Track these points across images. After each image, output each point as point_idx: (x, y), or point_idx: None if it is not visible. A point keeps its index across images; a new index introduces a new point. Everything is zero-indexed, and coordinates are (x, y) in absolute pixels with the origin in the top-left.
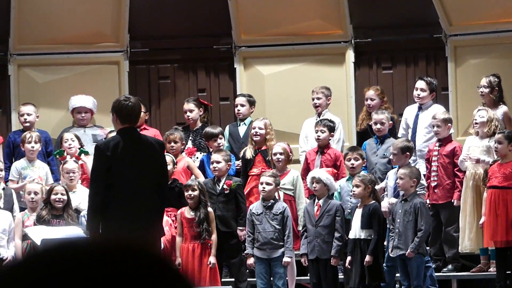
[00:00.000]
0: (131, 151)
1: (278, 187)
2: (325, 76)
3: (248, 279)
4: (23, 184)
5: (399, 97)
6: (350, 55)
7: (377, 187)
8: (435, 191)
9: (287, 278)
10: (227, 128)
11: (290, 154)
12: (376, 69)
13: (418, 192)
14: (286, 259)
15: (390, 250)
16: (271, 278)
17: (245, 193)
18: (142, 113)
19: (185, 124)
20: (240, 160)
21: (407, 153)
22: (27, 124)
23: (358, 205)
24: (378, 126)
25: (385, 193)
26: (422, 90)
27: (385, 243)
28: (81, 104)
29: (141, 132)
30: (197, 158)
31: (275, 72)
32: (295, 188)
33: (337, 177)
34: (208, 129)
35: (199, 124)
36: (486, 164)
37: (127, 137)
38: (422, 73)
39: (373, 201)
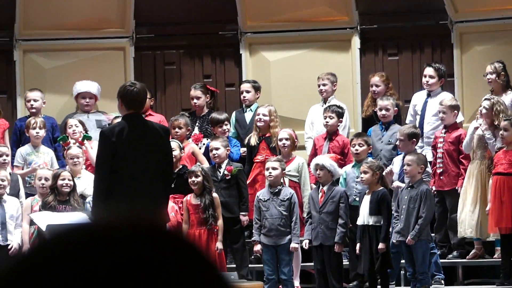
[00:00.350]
0: (136, 137)
1: (284, 171)
2: (330, 63)
3: (254, 265)
4: (29, 170)
5: (404, 84)
6: (356, 42)
7: (385, 171)
8: (441, 177)
9: (292, 264)
10: (233, 114)
11: (296, 140)
12: (382, 55)
13: (424, 179)
14: (293, 245)
15: (395, 238)
16: (278, 265)
17: (249, 180)
18: (147, 99)
19: (191, 110)
20: (245, 147)
21: (414, 139)
22: (34, 110)
23: (367, 191)
24: (383, 112)
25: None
26: (430, 77)
27: (390, 229)
28: (86, 89)
29: (146, 118)
30: (203, 144)
31: (280, 58)
32: (300, 175)
33: (344, 164)
34: (214, 115)
35: (205, 110)
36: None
37: (132, 123)
38: (428, 60)
39: (382, 188)
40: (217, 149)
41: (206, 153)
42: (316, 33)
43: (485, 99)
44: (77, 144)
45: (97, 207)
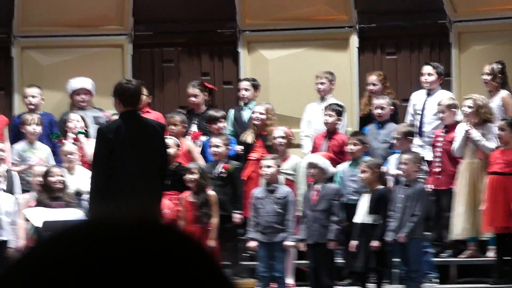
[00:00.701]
0: (133, 133)
1: (279, 169)
2: (329, 61)
3: (247, 263)
4: (26, 167)
5: (403, 83)
6: (354, 40)
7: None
8: (438, 176)
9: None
10: (231, 112)
11: (291, 137)
12: (380, 54)
13: (419, 178)
14: (287, 243)
15: (389, 238)
16: (271, 262)
17: (244, 178)
18: (144, 96)
19: (189, 108)
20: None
21: (410, 137)
22: (32, 107)
23: (368, 190)
24: (379, 110)
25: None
26: (429, 74)
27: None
28: (82, 86)
29: (143, 116)
30: (201, 141)
31: (279, 56)
32: (296, 174)
33: (342, 162)
34: (211, 112)
35: (203, 108)
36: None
37: (129, 120)
38: (426, 59)
39: (382, 186)
40: (217, 146)
41: (203, 150)
42: (315, 32)
43: (466, 99)
44: (72, 140)
45: (94, 204)
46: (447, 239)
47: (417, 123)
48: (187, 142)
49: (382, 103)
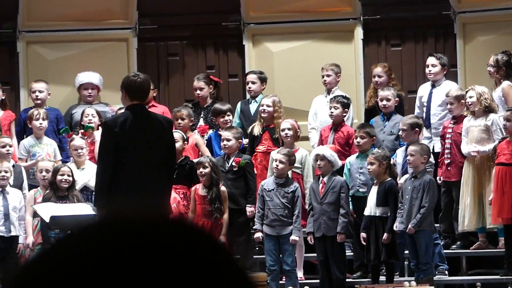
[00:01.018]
0: (139, 127)
1: (292, 166)
2: (333, 53)
3: (257, 256)
4: (33, 162)
5: (408, 74)
6: (359, 32)
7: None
8: (448, 168)
9: (295, 256)
10: (238, 104)
11: (298, 130)
12: (385, 46)
13: (427, 169)
14: (293, 237)
15: (397, 227)
16: (280, 255)
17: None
18: (150, 90)
19: (195, 101)
20: (248, 138)
21: (417, 129)
22: (39, 101)
23: (375, 182)
24: (384, 102)
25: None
26: (433, 65)
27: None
28: (88, 80)
29: (149, 109)
30: (207, 134)
31: (283, 49)
32: (303, 167)
33: (349, 154)
34: (217, 105)
35: (209, 101)
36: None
37: (135, 114)
38: (431, 50)
39: (389, 178)
40: (228, 140)
41: (209, 144)
42: (319, 24)
43: (468, 91)
44: (80, 134)
45: (99, 198)
46: (457, 230)
47: (424, 115)
48: (195, 136)
49: (388, 95)
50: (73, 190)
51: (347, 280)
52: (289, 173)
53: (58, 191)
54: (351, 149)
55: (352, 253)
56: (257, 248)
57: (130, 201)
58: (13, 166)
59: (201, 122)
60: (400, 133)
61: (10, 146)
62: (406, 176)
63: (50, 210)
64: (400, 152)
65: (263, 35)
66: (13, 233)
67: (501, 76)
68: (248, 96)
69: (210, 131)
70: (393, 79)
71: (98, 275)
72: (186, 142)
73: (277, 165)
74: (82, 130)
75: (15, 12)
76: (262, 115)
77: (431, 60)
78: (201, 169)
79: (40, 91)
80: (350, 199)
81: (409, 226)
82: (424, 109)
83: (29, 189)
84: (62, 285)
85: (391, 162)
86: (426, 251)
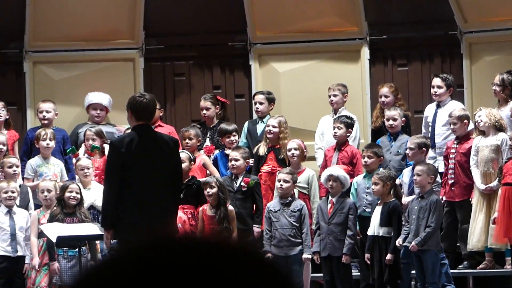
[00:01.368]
0: (145, 148)
1: (295, 184)
2: (340, 73)
3: None
4: (39, 182)
5: (414, 94)
6: (365, 52)
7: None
8: (452, 188)
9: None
10: (245, 124)
11: (305, 150)
12: (391, 66)
13: (434, 189)
14: (305, 255)
15: (400, 242)
16: None
17: None
18: (157, 110)
19: (201, 121)
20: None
21: (424, 149)
22: (46, 122)
23: (378, 202)
24: (391, 122)
25: (402, 191)
26: (438, 87)
27: (400, 239)
28: (98, 101)
29: (155, 129)
30: (213, 154)
31: (290, 69)
32: (310, 187)
33: (352, 174)
34: (223, 125)
35: (215, 121)
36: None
37: (141, 134)
38: (437, 70)
39: (393, 199)
40: (236, 160)
41: (215, 163)
42: (326, 44)
43: (476, 112)
44: (86, 155)
45: (106, 218)
46: (464, 250)
47: (429, 135)
48: (203, 156)
49: (394, 115)
50: (81, 207)
51: None
52: (296, 193)
53: (66, 207)
54: (355, 168)
55: (358, 273)
56: None
57: (131, 225)
58: (20, 186)
59: (207, 142)
60: (407, 151)
61: (17, 166)
62: (412, 196)
63: (57, 230)
64: (406, 172)
65: (269, 55)
66: (19, 253)
67: (506, 95)
68: (255, 116)
69: (216, 151)
70: (400, 99)
71: None
72: (193, 162)
73: (281, 185)
74: (89, 150)
75: (22, 32)
76: (268, 135)
77: (436, 81)
78: (208, 189)
79: (47, 111)
80: (357, 220)
81: (413, 243)
82: (430, 128)
83: (35, 209)
84: None
85: (398, 182)
86: (432, 271)
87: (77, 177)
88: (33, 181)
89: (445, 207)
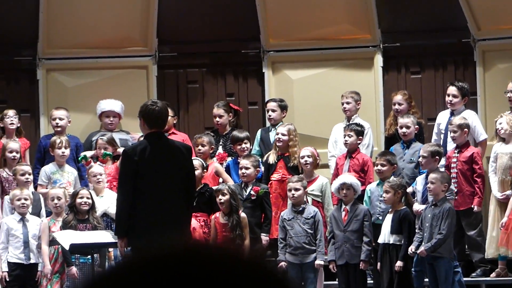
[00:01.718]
0: (158, 155)
1: (306, 190)
2: (353, 81)
3: None
4: (48, 190)
5: (427, 102)
6: (379, 60)
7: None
8: (455, 197)
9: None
10: (258, 132)
11: (318, 158)
12: (405, 73)
13: (447, 197)
14: (318, 261)
15: (413, 250)
16: (302, 283)
17: None
18: (170, 118)
19: (214, 129)
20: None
21: (437, 157)
22: (59, 129)
23: (389, 210)
24: (404, 130)
25: (415, 199)
26: (454, 96)
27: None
28: (110, 108)
29: (169, 137)
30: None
31: (303, 76)
32: (323, 195)
33: (363, 181)
34: (235, 133)
35: (228, 128)
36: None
37: (154, 142)
38: (451, 78)
39: (404, 207)
40: (247, 168)
41: (227, 171)
42: (339, 51)
43: (497, 119)
44: (99, 162)
45: (119, 226)
46: (474, 258)
47: (441, 143)
48: (215, 164)
49: (407, 122)
50: (93, 212)
51: None
52: (309, 200)
53: (78, 214)
54: (366, 175)
55: (372, 281)
56: None
57: (145, 232)
58: (32, 193)
59: (220, 149)
60: (420, 159)
61: (29, 174)
62: (423, 206)
63: (70, 237)
64: (420, 180)
65: (283, 63)
66: (32, 261)
67: None
68: (268, 124)
69: (229, 159)
70: (413, 106)
71: None
72: (205, 169)
73: (293, 194)
74: (101, 157)
75: (35, 40)
76: (278, 144)
77: (452, 89)
78: (220, 197)
79: (60, 118)
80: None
81: (422, 248)
82: (442, 136)
83: (47, 217)
84: None
85: (411, 189)
86: (445, 279)
87: (90, 184)
88: (46, 188)
89: None
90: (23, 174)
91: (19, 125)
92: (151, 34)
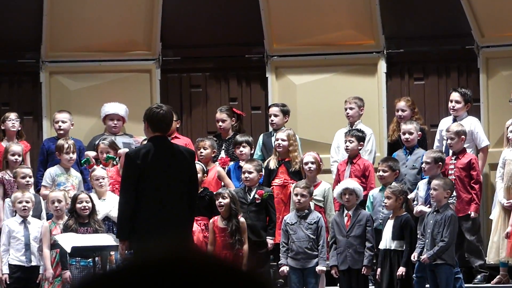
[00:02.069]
0: (161, 159)
1: (312, 197)
2: (357, 87)
3: None
4: (48, 193)
5: (430, 108)
6: (382, 66)
7: (409, 196)
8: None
9: None
10: (260, 137)
11: (321, 163)
12: (408, 79)
13: (450, 203)
14: (320, 267)
15: (415, 257)
16: None
17: None
18: (173, 122)
19: (217, 133)
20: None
21: (440, 163)
22: (62, 132)
23: (390, 216)
24: (407, 136)
25: (414, 203)
26: (457, 102)
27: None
28: (114, 111)
29: (172, 141)
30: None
31: (307, 81)
32: (326, 200)
33: (365, 187)
34: (237, 137)
35: (231, 133)
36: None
37: (157, 145)
38: (454, 85)
39: (405, 213)
40: (250, 172)
41: (228, 175)
42: (343, 57)
43: (508, 126)
44: (101, 165)
45: (121, 229)
46: (474, 264)
47: (443, 149)
48: (218, 168)
49: (410, 128)
50: (94, 215)
51: None
52: (312, 205)
53: (80, 218)
54: (367, 181)
55: (373, 287)
56: (280, 281)
57: (147, 236)
58: (33, 195)
59: (223, 154)
60: (423, 165)
61: (30, 177)
62: (426, 207)
63: (71, 240)
64: (422, 185)
65: (286, 68)
66: (33, 263)
67: None
68: (271, 129)
69: (231, 163)
70: (416, 113)
71: None
72: (206, 174)
73: (299, 200)
74: (104, 160)
75: (39, 43)
76: (278, 149)
77: (455, 95)
78: (220, 200)
79: (63, 121)
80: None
81: (425, 256)
82: (444, 142)
83: (48, 219)
84: None
85: (412, 195)
86: (446, 285)
87: (92, 188)
88: (50, 190)
89: None
90: (23, 177)
91: (20, 128)
92: (155, 38)
